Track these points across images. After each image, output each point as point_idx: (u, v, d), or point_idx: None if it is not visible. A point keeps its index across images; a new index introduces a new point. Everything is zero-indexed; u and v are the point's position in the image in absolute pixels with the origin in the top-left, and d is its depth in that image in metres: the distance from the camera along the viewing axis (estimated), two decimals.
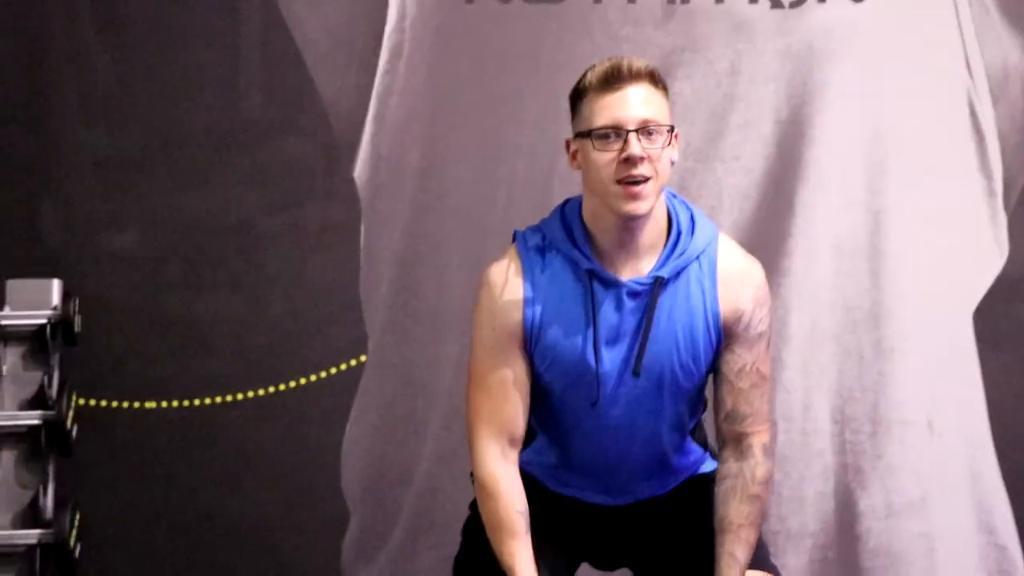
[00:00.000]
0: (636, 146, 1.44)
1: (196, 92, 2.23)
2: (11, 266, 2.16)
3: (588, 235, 1.56)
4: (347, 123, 2.21)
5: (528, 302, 1.56)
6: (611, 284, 1.54)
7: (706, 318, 1.57)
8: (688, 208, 1.57)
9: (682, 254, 1.55)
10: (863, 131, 2.15)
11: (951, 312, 2.17)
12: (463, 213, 2.16)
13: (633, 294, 1.54)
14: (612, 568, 1.82)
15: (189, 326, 2.23)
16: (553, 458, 1.72)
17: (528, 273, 1.57)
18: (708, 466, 1.72)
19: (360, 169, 2.21)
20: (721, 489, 1.60)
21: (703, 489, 1.67)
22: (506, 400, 1.60)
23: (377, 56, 2.19)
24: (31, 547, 1.99)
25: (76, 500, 2.04)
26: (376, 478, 2.26)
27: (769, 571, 1.60)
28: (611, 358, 1.57)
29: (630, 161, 1.44)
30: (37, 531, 1.98)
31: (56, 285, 2.13)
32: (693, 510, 1.68)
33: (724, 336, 1.59)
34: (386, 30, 2.18)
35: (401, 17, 2.18)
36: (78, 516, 2.10)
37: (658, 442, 1.66)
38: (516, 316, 1.56)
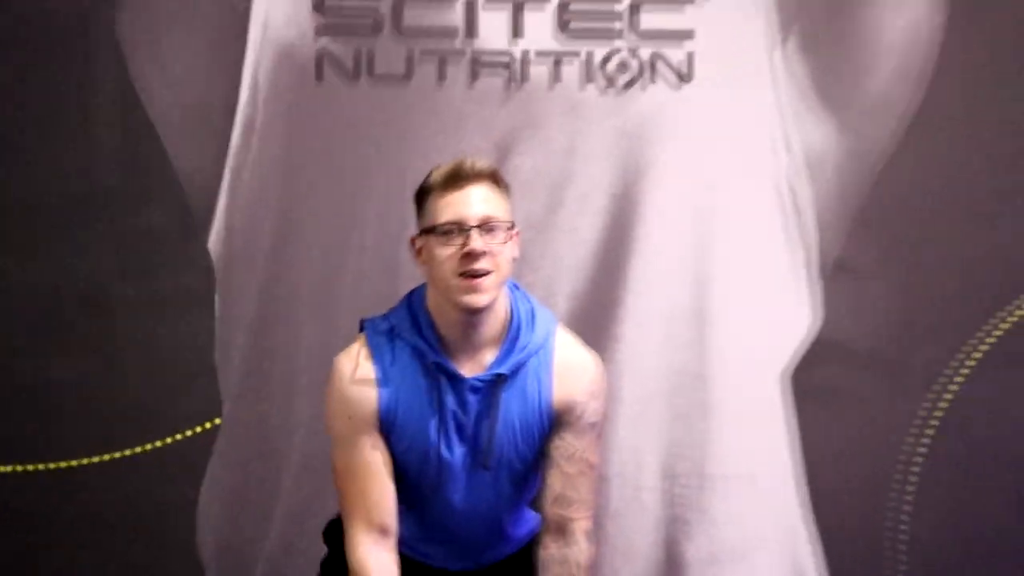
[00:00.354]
0: (477, 241, 1.53)
1: (50, 159, 2.25)
2: None
3: (433, 326, 1.65)
4: (202, 194, 2.26)
5: (381, 387, 1.63)
6: (455, 379, 1.63)
7: (539, 408, 1.66)
8: (528, 301, 1.69)
9: (523, 349, 1.64)
10: (690, 206, 2.26)
11: (770, 373, 2.29)
12: (315, 281, 2.22)
13: (475, 390, 1.62)
14: None
15: (41, 390, 2.23)
16: (405, 528, 1.78)
17: (378, 360, 1.64)
18: (532, 531, 1.83)
19: (215, 239, 2.26)
20: (544, 566, 1.72)
21: (529, 558, 1.78)
22: (373, 488, 1.66)
23: (230, 130, 2.23)
24: None
25: None
26: (231, 536, 2.30)
27: None
28: (457, 451, 1.67)
29: (471, 256, 1.53)
30: None
31: None
32: (530, 571, 1.79)
33: (556, 423, 1.68)
34: (239, 106, 2.23)
35: (253, 94, 2.23)
36: None
37: (497, 517, 1.78)
38: (370, 400, 1.63)
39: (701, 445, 2.28)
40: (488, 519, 1.79)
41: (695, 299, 2.28)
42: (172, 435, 2.26)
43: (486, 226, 1.58)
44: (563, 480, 1.69)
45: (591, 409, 1.69)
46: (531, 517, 1.89)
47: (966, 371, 2.30)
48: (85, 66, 2.30)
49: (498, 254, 1.58)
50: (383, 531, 1.68)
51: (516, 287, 1.72)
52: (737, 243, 2.29)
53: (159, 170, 2.24)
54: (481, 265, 1.55)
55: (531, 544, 1.83)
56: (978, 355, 2.31)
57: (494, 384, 1.65)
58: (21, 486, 2.25)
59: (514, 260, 1.63)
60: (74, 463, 2.22)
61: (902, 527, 2.34)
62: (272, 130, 2.25)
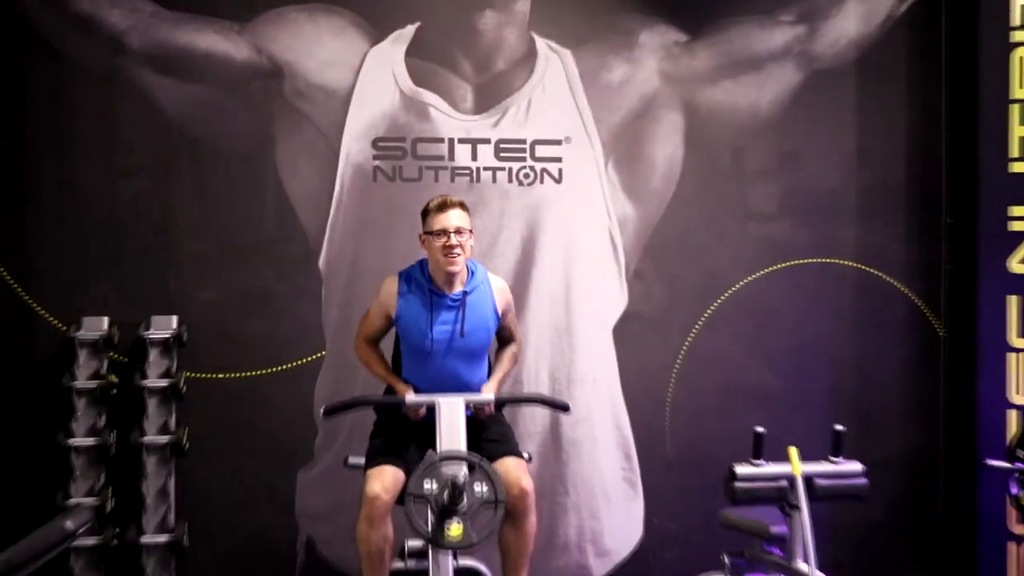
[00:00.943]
0: (453, 239, 2.82)
1: (245, 221, 3.87)
2: (149, 309, 3.85)
3: (431, 276, 2.92)
4: (315, 238, 3.85)
5: (399, 295, 2.92)
6: (442, 296, 2.90)
7: (492, 311, 2.96)
8: (474, 263, 2.99)
9: (474, 283, 2.93)
10: (562, 244, 3.93)
11: (603, 327, 3.98)
12: (370, 278, 3.46)
13: (453, 300, 2.88)
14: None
15: (236, 341, 3.82)
16: (413, 380, 2.98)
17: (401, 284, 2.95)
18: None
19: (322, 261, 3.86)
20: (498, 352, 3.11)
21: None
22: (372, 331, 3.04)
23: (330, 205, 3.85)
24: None
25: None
26: (332, 399, 3.84)
27: (518, 455, 2.93)
28: (442, 331, 2.89)
29: (450, 247, 2.82)
30: None
31: (175, 318, 3.73)
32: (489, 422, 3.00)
33: (502, 315, 2.99)
34: (334, 193, 3.84)
35: (341, 187, 3.84)
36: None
37: (464, 378, 2.96)
38: (391, 304, 2.94)
39: (568, 363, 3.96)
40: (461, 378, 2.95)
41: (566, 289, 3.94)
42: (303, 359, 3.90)
43: (458, 231, 2.82)
44: (509, 333, 3.08)
45: (511, 303, 3.06)
46: (485, 371, 3.05)
47: (696, 329, 4.05)
48: (253, 173, 3.87)
49: (463, 244, 2.84)
50: (370, 342, 3.05)
51: (471, 261, 2.97)
52: (586, 261, 3.95)
53: (294, 226, 3.85)
54: (455, 251, 2.82)
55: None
56: (702, 322, 4.05)
57: (463, 297, 2.91)
58: (209, 386, 3.82)
59: (471, 247, 2.90)
60: (248, 374, 3.89)
61: (667, 408, 4.04)
62: (351, 206, 3.86)
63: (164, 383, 3.60)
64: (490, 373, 3.11)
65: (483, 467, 2.70)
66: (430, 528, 2.65)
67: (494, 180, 3.95)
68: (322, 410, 2.99)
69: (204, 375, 3.87)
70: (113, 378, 3.64)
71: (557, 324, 4.02)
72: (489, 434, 2.98)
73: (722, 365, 4.13)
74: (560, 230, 4.00)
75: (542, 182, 3.97)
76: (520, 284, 3.97)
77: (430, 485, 2.65)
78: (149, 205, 3.87)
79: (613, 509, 4.07)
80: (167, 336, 3.68)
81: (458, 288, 2.92)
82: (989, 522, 4.04)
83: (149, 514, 3.56)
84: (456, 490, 2.59)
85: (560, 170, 3.98)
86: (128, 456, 3.60)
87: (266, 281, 3.89)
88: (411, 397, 2.91)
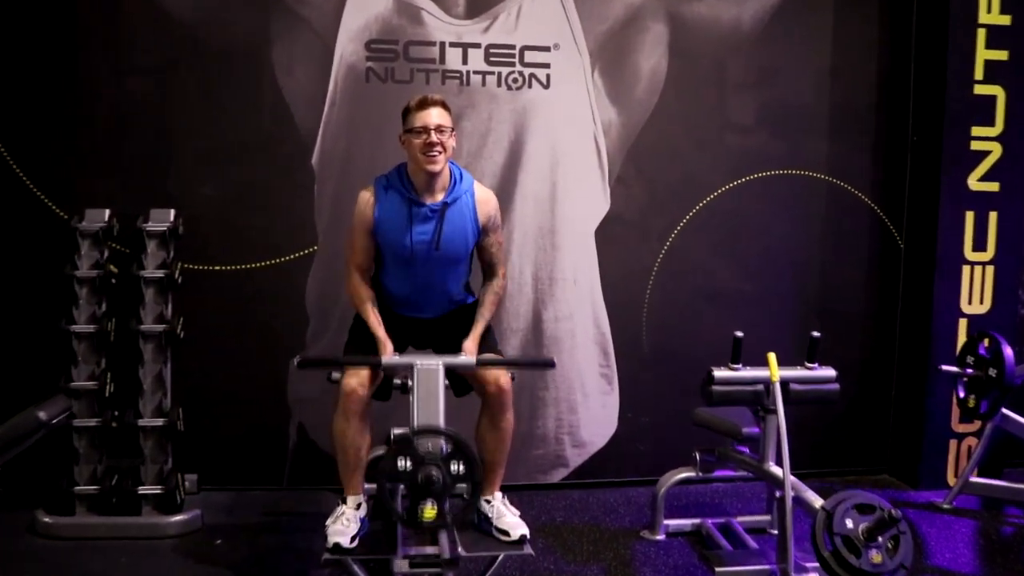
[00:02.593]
0: (434, 136, 2.73)
1: (242, 120, 3.89)
2: (149, 203, 3.80)
3: (411, 181, 2.83)
4: (309, 136, 3.92)
5: (376, 206, 2.84)
6: (420, 205, 2.82)
7: (472, 222, 2.86)
8: (460, 170, 2.89)
9: (456, 191, 2.83)
10: (549, 146, 4.04)
11: (587, 230, 4.11)
12: (360, 177, 3.42)
13: (432, 211, 2.81)
14: (424, 347, 3.05)
15: (238, 232, 3.92)
16: (391, 293, 2.98)
17: (377, 194, 2.85)
18: (469, 300, 3.08)
19: (315, 159, 3.93)
20: (481, 292, 3.01)
21: (467, 311, 3.02)
22: (360, 253, 2.92)
23: (323, 104, 3.91)
24: None
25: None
26: (322, 298, 4.00)
27: (499, 352, 3.01)
28: (421, 242, 2.82)
29: (430, 144, 2.72)
30: None
31: (172, 212, 3.74)
32: (462, 319, 2.98)
33: (482, 231, 2.89)
34: (328, 93, 3.90)
35: (335, 87, 3.91)
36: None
37: (444, 286, 2.94)
38: (369, 215, 2.85)
39: (551, 263, 4.10)
40: (440, 286, 2.92)
41: (551, 191, 4.06)
42: (296, 253, 3.99)
43: (439, 128, 2.72)
44: (491, 257, 2.98)
45: (497, 218, 2.94)
46: (464, 291, 3.03)
47: (675, 234, 4.19)
48: (251, 74, 3.88)
49: (444, 143, 2.73)
50: (362, 273, 2.93)
51: (454, 164, 2.88)
52: (571, 166, 4.07)
53: (290, 125, 3.90)
54: (435, 149, 2.72)
55: (465, 306, 3.04)
56: (680, 227, 4.20)
57: (442, 208, 2.81)
58: (205, 278, 3.93)
59: (453, 148, 2.81)
60: (242, 266, 3.97)
61: (644, 309, 4.21)
62: (344, 106, 3.93)
63: (160, 274, 3.68)
64: (473, 298, 3.13)
65: (460, 443, 2.54)
66: (401, 508, 2.69)
67: (483, 84, 4.03)
68: (295, 360, 2.95)
69: (201, 267, 3.97)
70: (113, 268, 3.72)
71: (541, 225, 4.16)
72: (466, 328, 3.01)
73: (697, 269, 4.32)
74: (547, 134, 4.11)
75: (530, 87, 4.07)
76: (507, 186, 4.09)
77: (403, 463, 2.49)
78: (151, 103, 3.92)
79: (590, 403, 4.28)
80: (164, 228, 3.73)
81: (439, 196, 2.84)
82: (936, 422, 4.34)
83: (146, 399, 3.68)
84: (431, 478, 2.47)
85: (548, 76, 4.08)
86: (127, 343, 3.69)
87: (262, 178, 3.96)
88: (387, 359, 2.84)
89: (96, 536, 3.56)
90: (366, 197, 2.92)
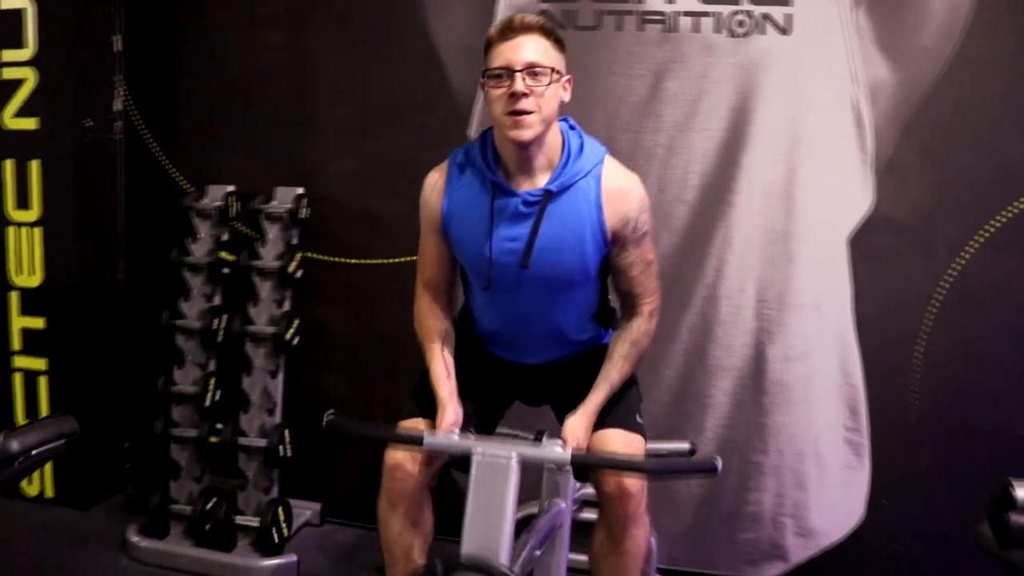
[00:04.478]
0: (520, 83, 1.69)
1: (386, 80, 3.19)
2: (277, 179, 3.25)
3: (497, 155, 1.86)
4: (465, 101, 3.13)
5: (445, 196, 1.91)
6: (510, 194, 1.82)
7: (592, 225, 1.82)
8: (580, 136, 1.86)
9: (570, 173, 1.81)
10: (786, 117, 2.90)
11: (834, 235, 2.93)
12: None
13: (528, 203, 1.81)
14: (537, 405, 2.19)
15: (375, 217, 3.24)
16: (479, 327, 2.08)
17: (450, 180, 1.92)
18: (606, 338, 2.04)
19: (473, 129, 3.12)
20: (615, 335, 1.97)
21: (599, 356, 1.98)
22: (432, 266, 2.01)
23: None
24: None
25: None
26: None
27: (632, 428, 1.92)
28: (507, 252, 1.84)
29: (515, 96, 1.70)
30: None
31: (299, 190, 3.16)
32: (588, 368, 1.99)
33: (615, 240, 1.85)
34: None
35: None
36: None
37: (551, 320, 1.95)
38: (436, 208, 1.93)
39: (783, 281, 2.97)
40: (540, 320, 1.94)
41: (785, 180, 2.93)
42: None
43: (530, 70, 1.71)
44: (629, 281, 1.91)
45: (641, 221, 1.87)
46: (593, 327, 2.08)
47: (973, 248, 2.84)
48: (396, 21, 3.16)
49: (540, 95, 1.71)
50: (437, 293, 2.02)
51: (572, 126, 1.89)
52: (818, 144, 2.90)
53: (442, 85, 3.14)
54: (523, 105, 1.70)
55: (594, 349, 2.03)
56: (982, 238, 2.83)
57: (543, 199, 1.80)
58: (357, 272, 3.30)
59: (562, 103, 1.79)
60: (377, 261, 3.28)
61: (917, 352, 2.91)
62: None
63: (275, 265, 3.07)
64: (605, 317, 2.12)
65: None
66: None
67: (696, 30, 2.96)
68: (325, 419, 1.90)
69: (328, 258, 3.33)
70: (225, 256, 3.14)
71: (772, 227, 3.01)
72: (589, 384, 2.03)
73: (1005, 301, 2.90)
74: (784, 99, 2.95)
75: (762, 33, 2.92)
76: (725, 171, 3.00)
77: None
78: (281, 64, 3.33)
79: (827, 478, 3.07)
80: (284, 211, 3.14)
81: (540, 181, 1.85)
82: None
83: (252, 413, 3.09)
84: None
85: (787, 17, 2.91)
86: (236, 346, 3.13)
87: (406, 152, 3.16)
88: (433, 437, 1.82)
89: (179, 569, 3.02)
90: (433, 180, 2.00)
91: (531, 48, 1.74)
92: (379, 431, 1.98)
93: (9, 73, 3.22)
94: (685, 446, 2.57)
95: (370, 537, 2.89)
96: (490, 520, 1.71)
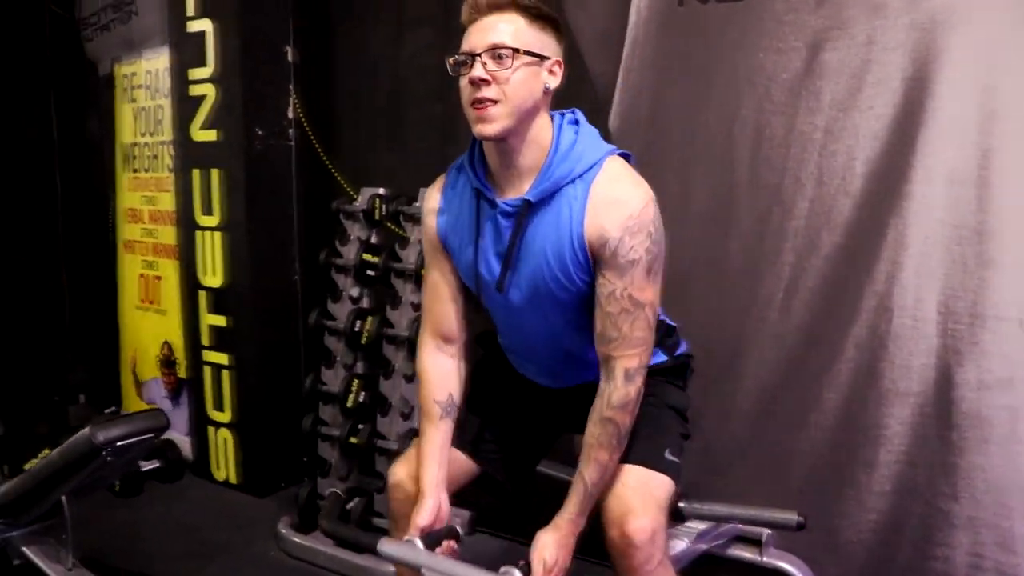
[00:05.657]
0: (478, 68, 1.47)
1: None
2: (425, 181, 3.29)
3: (482, 156, 1.64)
4: (605, 88, 2.89)
5: (440, 213, 1.71)
6: (492, 204, 1.59)
7: (571, 237, 1.53)
8: (577, 133, 1.58)
9: (552, 179, 1.54)
10: (977, 87, 2.34)
11: None
12: (672, 144, 2.78)
13: (506, 215, 1.58)
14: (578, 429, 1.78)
15: None
16: (503, 345, 1.87)
17: (445, 190, 1.71)
18: (653, 360, 1.71)
19: (613, 120, 2.90)
20: (590, 413, 1.60)
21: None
22: (437, 301, 1.73)
23: (622, 45, 2.85)
24: None
25: None
26: None
27: (658, 466, 1.63)
28: (491, 270, 1.64)
29: (474, 84, 1.48)
30: None
31: (379, 190, 3.12)
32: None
33: (593, 259, 1.54)
34: (628, 27, 2.82)
35: (638, 18, 2.81)
36: None
37: (559, 341, 1.69)
38: (432, 224, 1.71)
39: (976, 289, 2.39)
40: (549, 340, 1.70)
41: (977, 165, 2.35)
42: None
43: (494, 54, 1.48)
44: (603, 318, 1.54)
45: (627, 245, 1.50)
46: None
47: None
48: None
49: (505, 81, 1.48)
50: (445, 339, 1.74)
51: (576, 120, 1.63)
52: (1019, 121, 2.31)
53: (582, 74, 2.90)
54: (484, 94, 1.48)
55: None
56: None
57: (520, 209, 1.56)
58: None
59: (547, 90, 1.55)
60: None
61: None
62: (648, 41, 2.81)
63: (415, 267, 3.03)
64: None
65: None
66: None
67: None
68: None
69: None
70: (370, 258, 3.16)
71: (960, 223, 2.43)
72: None
73: None
74: (975, 64, 2.37)
75: None
76: (898, 156, 2.47)
77: None
78: (428, 64, 3.25)
79: None
80: (365, 208, 3.14)
81: (526, 184, 1.58)
82: None
83: (390, 417, 3.08)
84: None
85: None
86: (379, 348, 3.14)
87: None
88: (388, 546, 1.66)
89: (316, 564, 3.09)
90: (429, 195, 1.79)
91: (498, 29, 1.52)
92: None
93: (195, 90, 3.48)
94: (792, 518, 2.14)
95: (518, 551, 2.78)
96: None
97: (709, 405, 2.74)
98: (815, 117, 2.60)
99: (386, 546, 1.66)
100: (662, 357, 1.78)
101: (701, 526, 2.41)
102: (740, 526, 2.44)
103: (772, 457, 2.72)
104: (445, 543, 1.68)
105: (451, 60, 1.54)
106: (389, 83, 3.37)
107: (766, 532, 2.51)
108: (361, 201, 3.23)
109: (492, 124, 1.50)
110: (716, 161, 2.74)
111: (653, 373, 1.70)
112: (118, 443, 2.31)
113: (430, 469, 1.71)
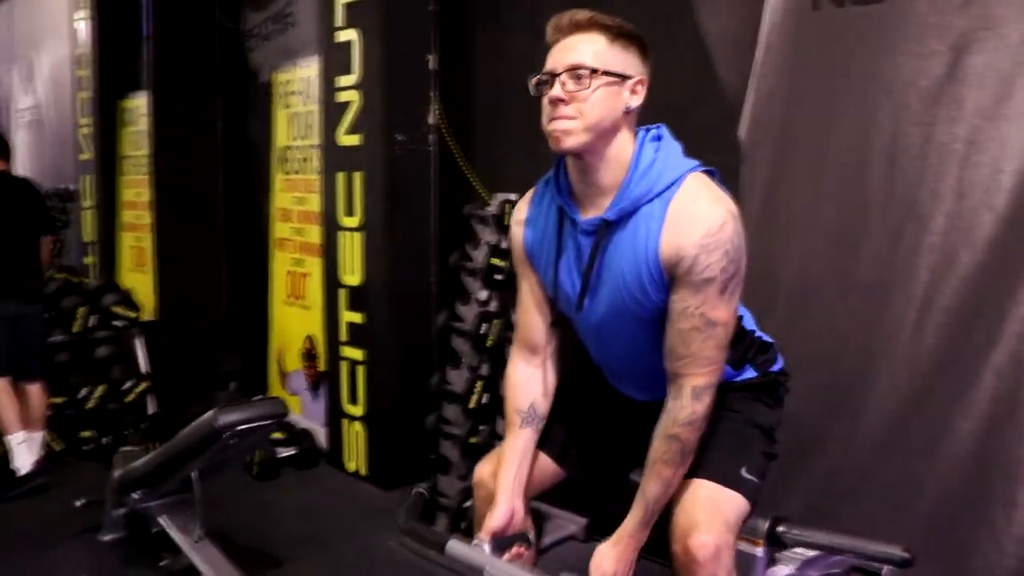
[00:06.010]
0: (557, 88, 1.51)
1: (655, 79, 3.09)
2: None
3: (566, 174, 1.66)
4: (735, 97, 2.80)
5: (527, 224, 1.75)
6: (573, 222, 1.62)
7: (646, 256, 1.54)
8: (657, 150, 1.59)
9: (631, 197, 1.55)
10: None
11: None
12: (802, 153, 2.66)
13: (586, 233, 1.60)
14: None
15: None
16: (592, 357, 1.85)
17: (533, 203, 1.75)
18: (737, 378, 1.74)
19: (743, 129, 2.80)
20: (656, 427, 1.61)
21: (734, 399, 1.72)
22: (524, 311, 1.78)
23: (754, 52, 2.75)
24: None
25: None
26: None
27: (732, 483, 1.60)
28: (575, 286, 1.66)
29: (553, 103, 1.53)
30: None
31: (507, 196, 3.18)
32: (716, 415, 1.65)
33: (668, 276, 1.53)
34: (760, 34, 2.73)
35: (771, 23, 2.71)
36: None
37: (641, 357, 1.67)
38: (519, 235, 1.76)
39: None
40: (634, 356, 1.69)
41: None
42: None
43: (574, 75, 1.51)
44: (675, 335, 1.53)
45: (703, 263, 1.49)
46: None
47: None
48: (667, 19, 2.98)
49: (584, 100, 1.51)
50: (531, 349, 1.78)
51: (657, 137, 1.63)
52: None
53: (711, 81, 2.86)
54: (561, 113, 1.51)
55: (726, 386, 1.70)
56: None
57: (599, 228, 1.57)
58: None
59: (628, 110, 1.56)
60: None
61: None
62: (781, 47, 2.71)
63: (478, 264, 3.10)
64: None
65: None
66: None
67: None
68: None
69: None
70: (496, 261, 3.22)
71: None
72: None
73: None
74: None
75: None
76: None
77: None
78: None
79: None
80: (494, 213, 3.20)
81: (606, 203, 1.58)
82: None
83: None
84: None
85: None
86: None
87: None
88: (455, 546, 1.72)
89: (432, 560, 3.16)
90: (517, 207, 1.83)
91: (578, 49, 1.54)
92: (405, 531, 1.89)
93: (341, 96, 3.63)
94: (897, 553, 2.01)
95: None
96: None
97: (832, 428, 2.63)
98: (956, 127, 2.43)
99: (453, 546, 1.69)
100: (752, 373, 1.75)
101: (810, 554, 2.29)
102: (854, 559, 2.31)
103: (899, 486, 2.56)
104: (515, 548, 1.69)
105: (533, 80, 1.56)
106: (525, 91, 3.39)
107: (885, 568, 2.37)
108: (492, 206, 3.28)
109: (567, 139, 1.53)
110: (849, 172, 2.60)
111: (740, 389, 1.69)
112: (237, 427, 2.44)
113: (506, 475, 1.75)
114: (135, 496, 2.80)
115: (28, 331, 3.73)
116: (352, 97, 3.62)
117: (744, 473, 1.62)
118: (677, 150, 1.63)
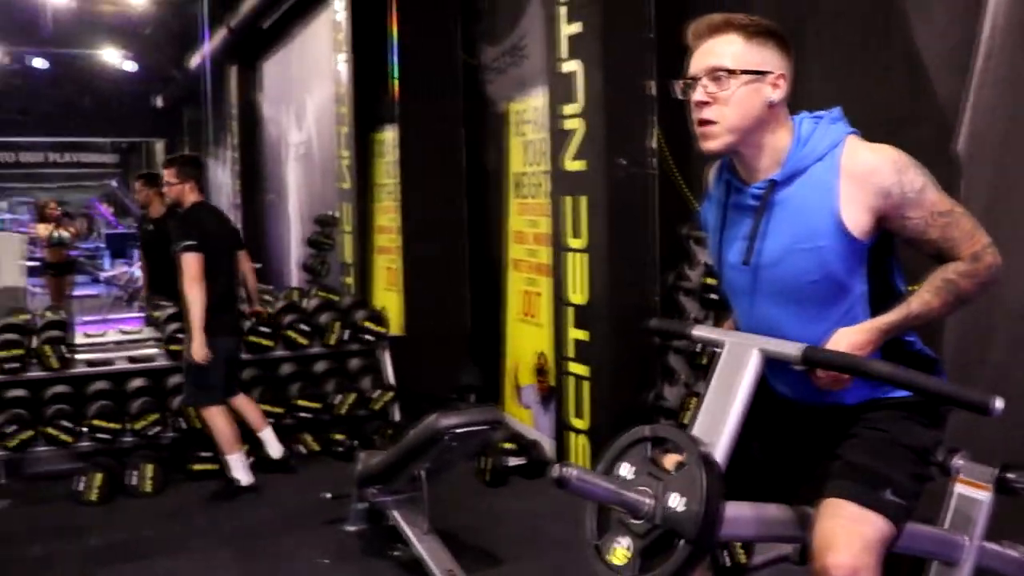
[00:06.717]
0: (699, 92, 1.61)
1: (865, 95, 2.94)
2: None
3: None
4: (951, 110, 2.67)
5: (705, 199, 1.88)
6: (740, 190, 1.71)
7: (831, 210, 1.60)
8: (816, 123, 1.67)
9: (795, 161, 1.65)
10: None
11: None
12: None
13: (755, 196, 1.68)
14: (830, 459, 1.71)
15: None
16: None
17: (715, 180, 1.84)
18: (892, 392, 1.67)
19: (961, 144, 2.65)
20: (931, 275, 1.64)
21: (895, 416, 1.67)
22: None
23: (973, 59, 2.60)
24: None
25: None
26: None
27: (873, 505, 1.56)
28: (736, 251, 1.73)
29: (697, 106, 1.63)
30: None
31: None
32: (866, 427, 1.66)
33: (885, 219, 1.60)
34: (980, 40, 2.57)
35: (993, 29, 2.56)
36: None
37: (797, 331, 1.64)
38: (703, 211, 1.90)
39: None
40: (796, 335, 1.64)
41: None
42: None
43: (712, 75, 1.60)
44: (935, 244, 1.62)
45: (908, 181, 1.60)
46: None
47: None
48: (880, 30, 2.82)
49: (725, 102, 1.60)
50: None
51: (817, 116, 1.69)
52: None
53: (925, 93, 2.75)
54: (704, 115, 1.61)
55: (880, 401, 1.70)
56: None
57: (766, 191, 1.66)
58: None
59: (771, 104, 1.62)
60: None
61: None
62: (1005, 54, 2.54)
63: (692, 284, 3.16)
64: None
65: (699, 463, 1.46)
66: (593, 532, 1.67)
67: None
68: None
69: None
70: (710, 280, 3.30)
71: None
72: (849, 443, 1.68)
73: None
74: None
75: None
76: None
77: (623, 471, 1.58)
78: None
79: None
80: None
81: (771, 171, 1.66)
82: None
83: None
84: (637, 506, 1.51)
85: None
86: None
87: None
88: (701, 330, 1.83)
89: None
90: (707, 172, 1.89)
91: (716, 52, 1.62)
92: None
93: (566, 124, 3.85)
94: None
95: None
96: (717, 406, 1.61)
97: None
98: None
99: (699, 329, 1.84)
100: (906, 391, 1.66)
101: None
102: None
103: None
104: None
105: (678, 84, 1.66)
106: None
107: None
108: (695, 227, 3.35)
109: (712, 141, 1.63)
110: None
111: (893, 407, 1.66)
112: (456, 430, 2.69)
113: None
114: (372, 491, 3.14)
115: (237, 361, 4.22)
116: (576, 124, 3.81)
117: (888, 495, 1.58)
118: (832, 121, 1.68)
